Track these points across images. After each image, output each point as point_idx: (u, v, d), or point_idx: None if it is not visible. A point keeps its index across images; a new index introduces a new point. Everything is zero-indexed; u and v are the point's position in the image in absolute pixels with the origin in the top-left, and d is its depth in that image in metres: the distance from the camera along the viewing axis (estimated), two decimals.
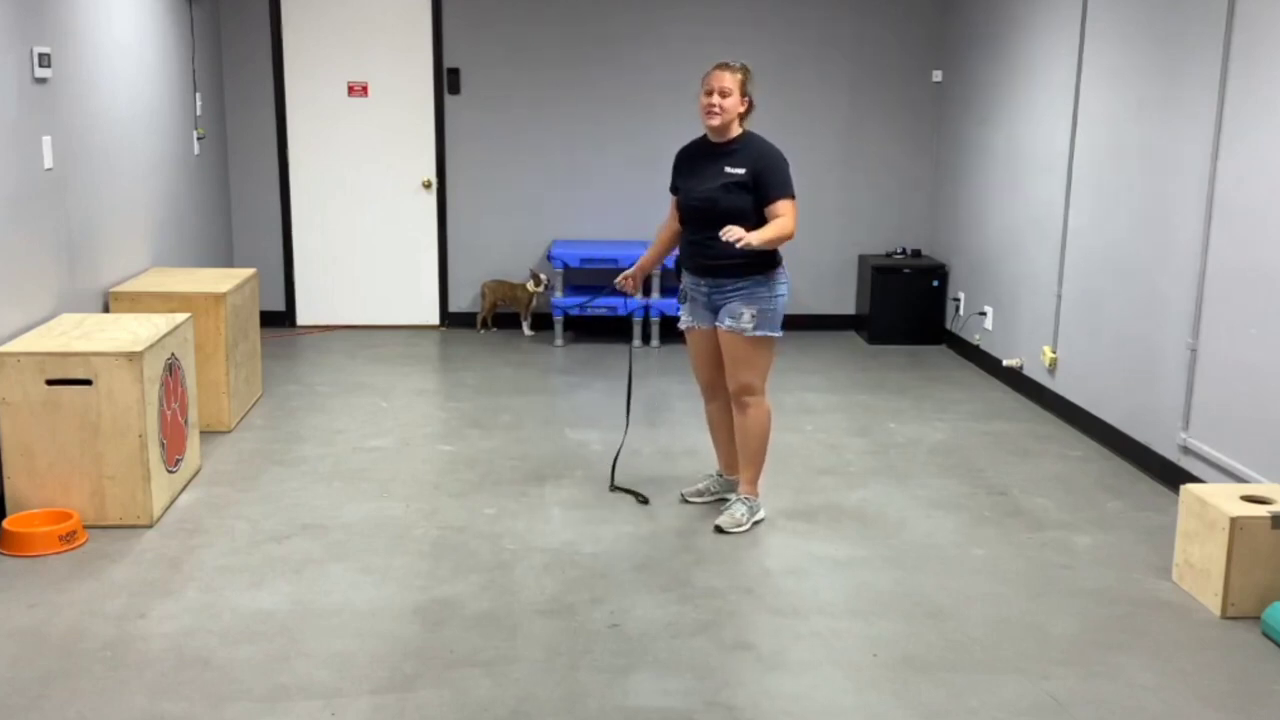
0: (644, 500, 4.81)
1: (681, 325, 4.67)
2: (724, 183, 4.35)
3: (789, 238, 4.29)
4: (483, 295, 8.13)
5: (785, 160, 4.39)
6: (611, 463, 5.11)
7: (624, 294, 4.86)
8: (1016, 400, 6.58)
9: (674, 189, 4.62)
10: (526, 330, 8.09)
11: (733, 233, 4.14)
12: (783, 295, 4.45)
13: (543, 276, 7.93)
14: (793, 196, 4.36)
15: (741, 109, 4.38)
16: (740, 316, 4.39)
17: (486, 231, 8.22)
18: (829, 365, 7.38)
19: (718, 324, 4.47)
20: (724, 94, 4.33)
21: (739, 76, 4.35)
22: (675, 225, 4.68)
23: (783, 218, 4.30)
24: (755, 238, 4.17)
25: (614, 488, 4.95)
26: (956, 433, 5.92)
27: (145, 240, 6.14)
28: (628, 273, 4.81)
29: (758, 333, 4.40)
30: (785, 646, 3.60)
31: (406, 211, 8.20)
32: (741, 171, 4.34)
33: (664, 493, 4.93)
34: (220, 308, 5.52)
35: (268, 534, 4.43)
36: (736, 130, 4.41)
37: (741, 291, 4.39)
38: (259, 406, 6.18)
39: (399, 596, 3.90)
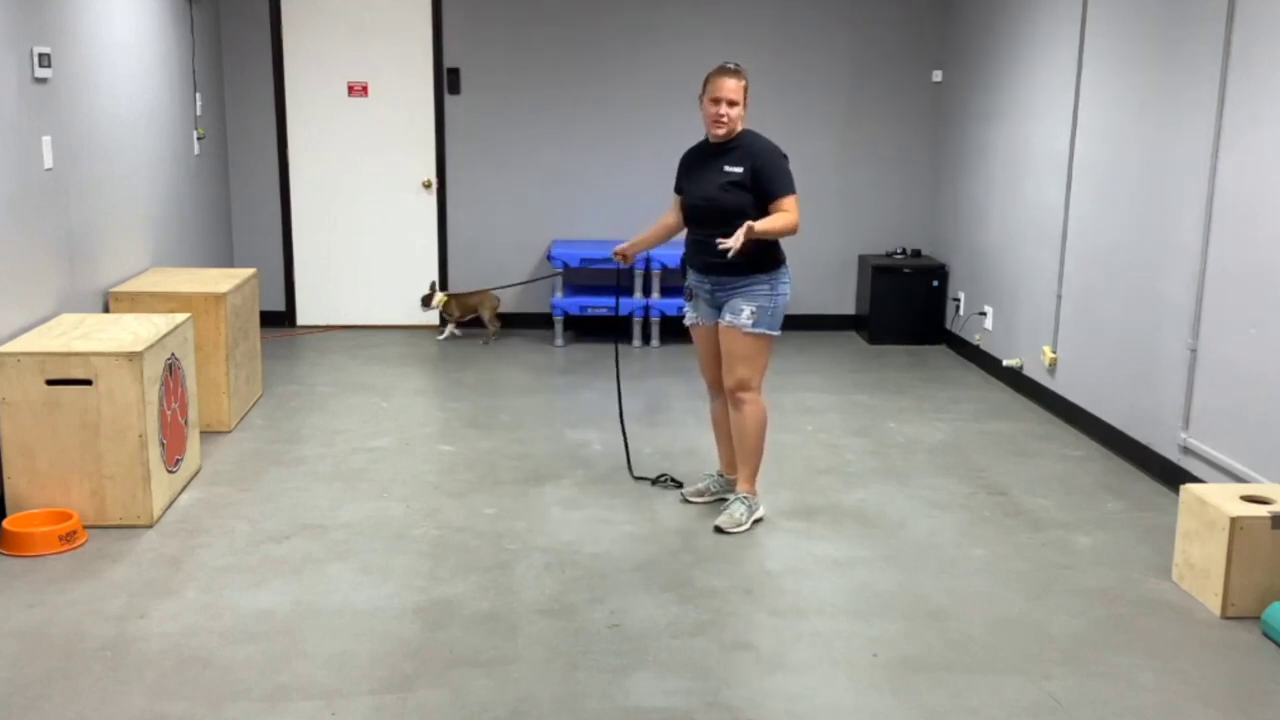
0: (674, 484, 4.99)
1: (687, 322, 4.75)
2: (723, 182, 4.40)
3: (793, 230, 4.33)
4: (449, 313, 7.87)
5: (784, 156, 4.43)
6: (627, 458, 5.26)
7: (621, 263, 4.85)
8: (1016, 400, 6.58)
9: (678, 189, 4.68)
10: (492, 333, 7.85)
11: (725, 242, 4.17)
12: (784, 295, 4.50)
13: (439, 294, 7.78)
14: (794, 192, 4.40)
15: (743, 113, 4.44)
16: (740, 313, 4.43)
17: (486, 231, 8.22)
18: (829, 365, 7.38)
19: (719, 320, 4.50)
20: (731, 104, 4.36)
21: (743, 83, 4.40)
22: (671, 220, 4.75)
23: (785, 212, 4.34)
24: (757, 226, 4.20)
25: (638, 477, 5.10)
26: (956, 433, 5.91)
27: (145, 240, 6.14)
28: (623, 247, 4.84)
29: (756, 329, 4.44)
30: (785, 646, 3.60)
31: (406, 211, 8.20)
32: (740, 170, 4.37)
33: (664, 493, 4.93)
34: (220, 308, 5.52)
35: (268, 534, 4.42)
36: (736, 129, 4.44)
37: (743, 288, 4.44)
38: (259, 406, 6.18)
39: (399, 596, 3.90)
